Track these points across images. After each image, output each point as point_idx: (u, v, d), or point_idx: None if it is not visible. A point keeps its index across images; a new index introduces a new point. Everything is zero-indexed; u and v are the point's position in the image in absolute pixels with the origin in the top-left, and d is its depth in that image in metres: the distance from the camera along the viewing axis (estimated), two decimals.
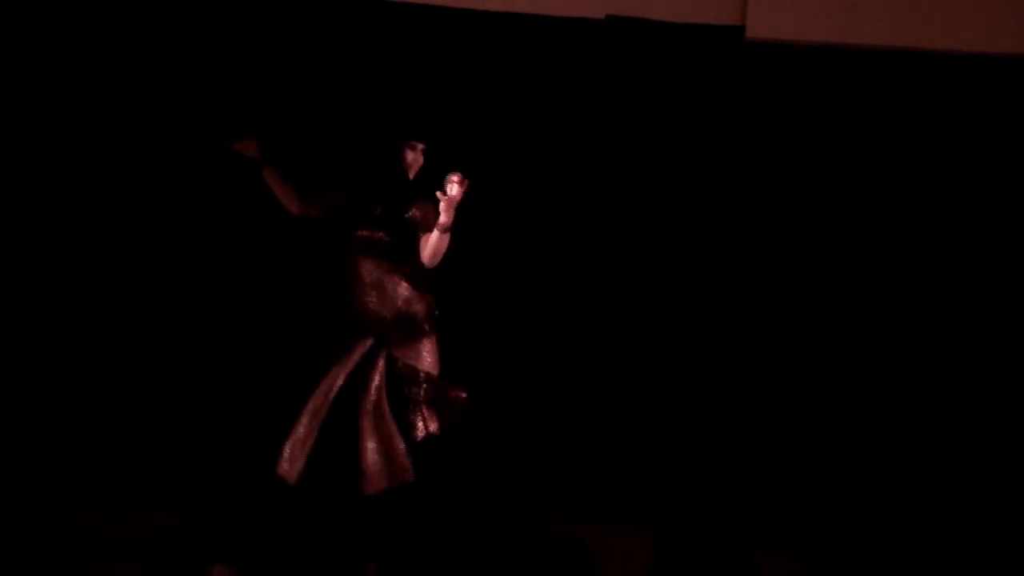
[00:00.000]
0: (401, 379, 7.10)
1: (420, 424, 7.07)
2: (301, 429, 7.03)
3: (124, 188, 8.08)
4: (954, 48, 7.80)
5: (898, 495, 7.95)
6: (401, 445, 7.00)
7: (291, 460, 7.00)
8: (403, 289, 7.13)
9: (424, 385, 7.11)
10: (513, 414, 8.13)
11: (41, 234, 8.06)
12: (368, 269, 7.15)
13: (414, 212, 7.15)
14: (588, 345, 8.22)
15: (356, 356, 7.11)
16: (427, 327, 7.15)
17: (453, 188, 6.93)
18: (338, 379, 7.07)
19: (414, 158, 7.24)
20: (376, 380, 7.06)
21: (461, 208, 7.08)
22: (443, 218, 6.98)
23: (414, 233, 7.15)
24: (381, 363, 7.10)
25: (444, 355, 7.28)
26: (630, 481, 8.10)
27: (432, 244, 7.08)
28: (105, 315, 8.11)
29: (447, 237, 7.06)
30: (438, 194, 6.94)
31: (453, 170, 7.04)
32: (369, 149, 7.26)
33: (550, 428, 8.16)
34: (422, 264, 7.16)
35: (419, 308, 7.14)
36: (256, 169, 7.25)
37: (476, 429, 7.96)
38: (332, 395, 7.06)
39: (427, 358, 7.14)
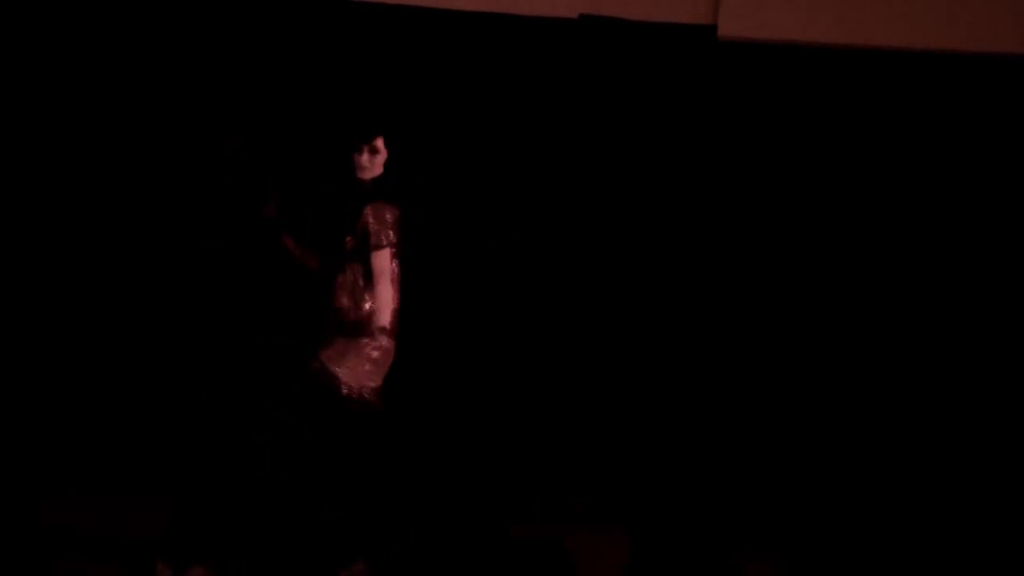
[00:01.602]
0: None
1: None
2: None
3: (124, 188, 8.14)
4: (929, 47, 7.82)
5: (881, 498, 7.95)
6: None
7: None
8: (366, 294, 7.06)
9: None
10: (493, 414, 8.20)
11: (41, 234, 8.13)
12: (343, 271, 7.10)
13: (368, 217, 7.07)
14: (567, 347, 8.25)
15: None
16: (369, 338, 7.07)
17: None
18: None
19: (371, 159, 7.13)
20: None
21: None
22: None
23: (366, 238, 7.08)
24: None
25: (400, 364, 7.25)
26: (608, 481, 8.15)
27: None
28: (104, 315, 8.17)
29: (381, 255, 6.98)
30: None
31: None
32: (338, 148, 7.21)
33: (529, 429, 8.21)
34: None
35: (367, 316, 7.06)
36: (275, 232, 7.27)
37: (458, 430, 8.00)
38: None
39: (355, 370, 7.05)
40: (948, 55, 7.89)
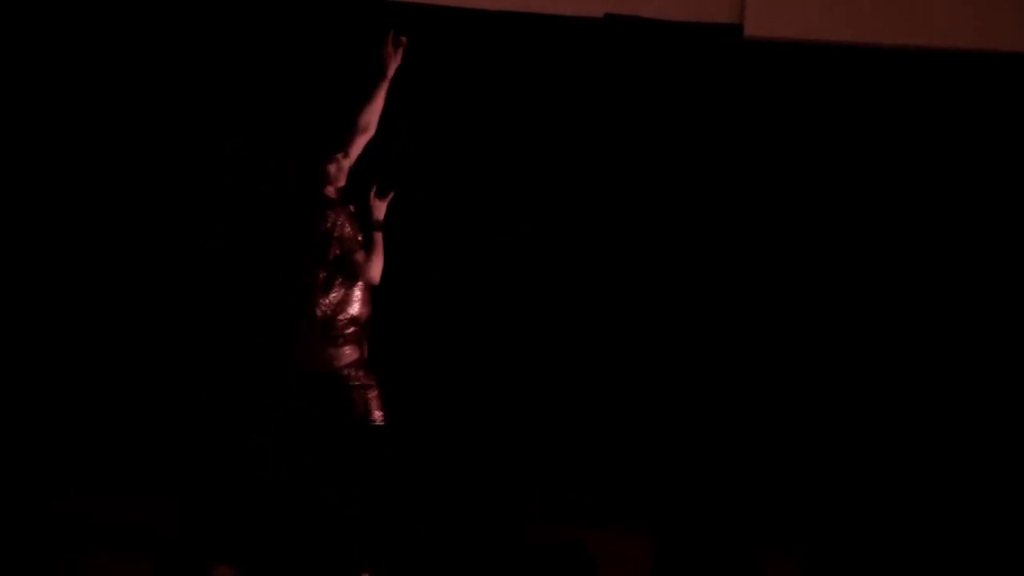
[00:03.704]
0: None
1: None
2: None
3: (125, 188, 8.08)
4: (953, 46, 7.81)
5: (900, 498, 8.01)
6: None
7: None
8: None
9: None
10: (513, 417, 8.19)
11: (42, 234, 8.06)
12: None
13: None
14: (589, 348, 8.25)
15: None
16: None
17: None
18: None
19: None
20: None
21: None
22: None
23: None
24: None
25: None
26: (631, 484, 8.17)
27: None
28: (105, 315, 8.11)
29: None
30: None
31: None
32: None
33: (550, 431, 8.21)
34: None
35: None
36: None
37: (477, 431, 8.01)
38: None
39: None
40: (983, 55, 7.88)
